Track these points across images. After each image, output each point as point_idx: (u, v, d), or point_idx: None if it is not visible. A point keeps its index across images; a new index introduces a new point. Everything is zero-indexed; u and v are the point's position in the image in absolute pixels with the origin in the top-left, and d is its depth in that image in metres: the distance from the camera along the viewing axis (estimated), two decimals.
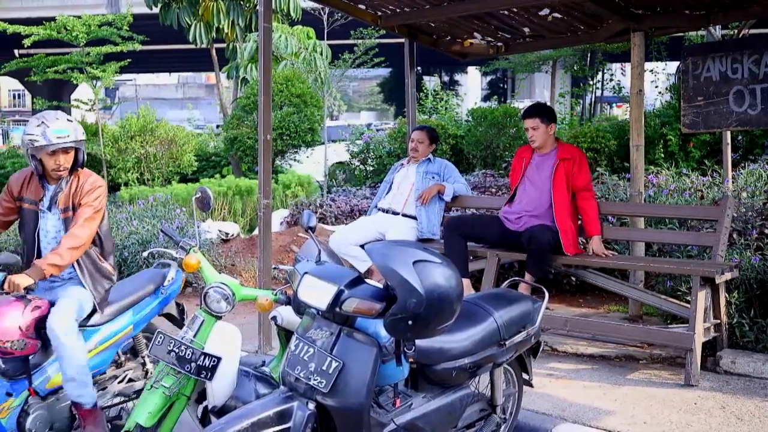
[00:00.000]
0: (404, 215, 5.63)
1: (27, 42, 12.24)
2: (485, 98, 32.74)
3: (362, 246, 5.14)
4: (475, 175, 8.30)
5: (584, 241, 5.24)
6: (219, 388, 3.04)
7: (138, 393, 3.68)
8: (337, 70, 13.13)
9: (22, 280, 3.23)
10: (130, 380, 3.77)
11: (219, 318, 3.10)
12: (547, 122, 5.03)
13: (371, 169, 10.02)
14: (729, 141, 5.87)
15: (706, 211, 5.18)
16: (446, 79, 37.71)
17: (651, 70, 12.31)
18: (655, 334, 4.53)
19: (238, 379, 3.12)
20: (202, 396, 3.16)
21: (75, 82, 13.20)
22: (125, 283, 3.81)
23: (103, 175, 11.20)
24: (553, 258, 4.88)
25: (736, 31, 8.24)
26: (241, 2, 14.44)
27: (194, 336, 3.04)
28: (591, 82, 16.87)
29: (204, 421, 3.16)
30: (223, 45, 15.26)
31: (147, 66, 36.35)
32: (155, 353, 3.03)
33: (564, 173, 4.94)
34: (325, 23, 11.53)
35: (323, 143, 11.24)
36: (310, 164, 12.97)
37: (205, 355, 2.99)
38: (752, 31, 8.58)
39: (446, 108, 12.91)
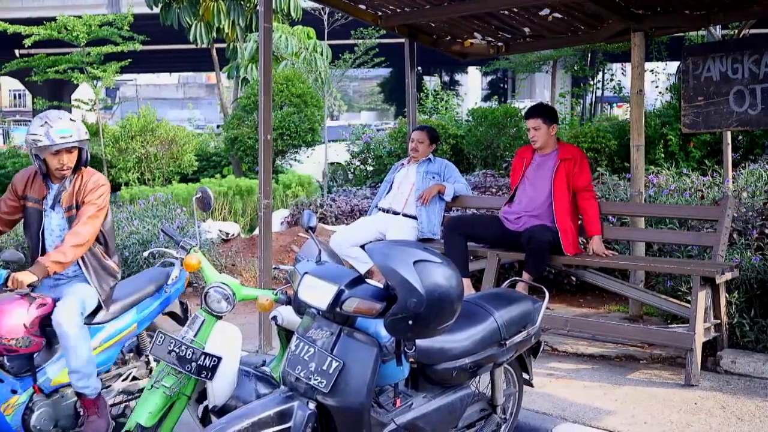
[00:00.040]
0: (405, 215, 5.63)
1: (28, 42, 12.26)
2: (485, 98, 32.73)
3: (363, 246, 5.14)
4: (475, 175, 8.30)
5: (584, 241, 5.24)
6: (219, 388, 3.05)
7: (142, 391, 3.69)
8: (337, 70, 13.12)
9: (26, 277, 3.26)
10: (134, 378, 3.79)
11: (219, 318, 3.10)
12: (549, 123, 5.04)
13: (371, 169, 10.02)
14: (729, 141, 5.87)
15: (706, 211, 5.18)
16: (446, 79, 37.71)
17: (651, 70, 12.31)
18: (655, 334, 4.53)
19: (239, 379, 3.12)
20: (202, 396, 3.16)
21: (75, 82, 13.23)
22: (129, 281, 3.84)
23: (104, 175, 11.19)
24: (552, 258, 4.88)
25: (736, 31, 8.23)
26: (242, 2, 14.44)
27: (195, 336, 3.04)
28: (591, 82, 16.86)
29: (204, 420, 3.16)
30: (224, 45, 15.27)
31: (147, 66, 36.36)
32: (156, 353, 3.04)
33: (565, 173, 4.94)
34: (326, 23, 11.53)
35: (323, 143, 11.25)
36: (311, 164, 12.98)
37: (206, 354, 2.99)
38: (752, 31, 8.58)
39: (446, 108, 12.91)
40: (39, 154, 3.42)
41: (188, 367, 2.98)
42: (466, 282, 4.98)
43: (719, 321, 4.54)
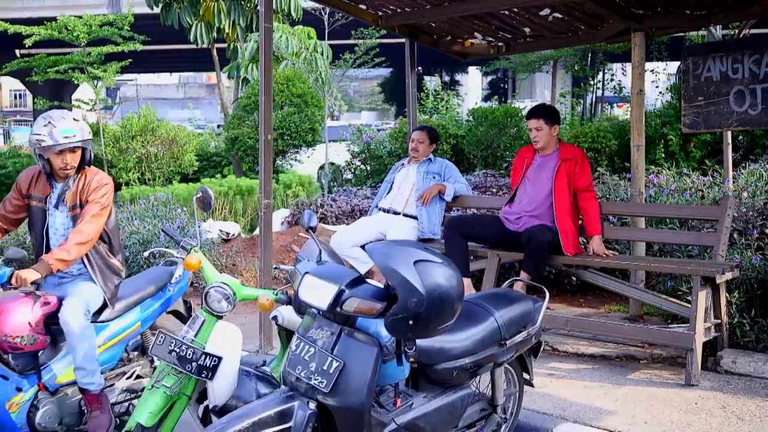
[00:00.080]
0: (405, 215, 5.63)
1: (28, 42, 12.27)
2: (486, 98, 32.70)
3: (363, 246, 5.15)
4: (475, 175, 8.31)
5: (585, 240, 5.24)
6: (220, 388, 3.05)
7: None
8: (337, 70, 13.11)
9: (30, 274, 3.28)
10: (138, 377, 3.81)
11: (220, 318, 3.10)
12: (551, 123, 5.04)
13: (372, 169, 10.02)
14: (730, 141, 5.87)
15: (706, 211, 5.18)
16: (447, 79, 37.68)
17: (652, 70, 12.30)
18: (655, 334, 4.53)
19: (239, 379, 3.12)
20: (203, 395, 3.17)
21: (76, 82, 13.23)
22: (133, 280, 3.86)
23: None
24: (552, 258, 4.88)
25: (736, 31, 8.23)
26: (242, 2, 14.45)
27: (195, 336, 3.04)
28: (592, 82, 16.86)
29: (205, 420, 3.17)
30: (224, 45, 15.27)
31: (148, 66, 36.35)
32: (156, 353, 3.04)
33: (566, 174, 4.94)
34: (326, 23, 11.54)
35: (324, 143, 11.25)
36: (311, 164, 12.99)
37: (206, 354, 2.99)
38: (753, 31, 8.59)
39: (447, 108, 12.90)
40: (43, 154, 3.45)
41: (189, 367, 2.98)
42: (467, 282, 4.98)
43: (719, 321, 4.54)
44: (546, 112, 5.11)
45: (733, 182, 5.94)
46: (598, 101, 18.88)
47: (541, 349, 3.55)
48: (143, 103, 19.52)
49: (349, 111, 33.42)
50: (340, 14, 10.98)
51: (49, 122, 3.41)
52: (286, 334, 3.32)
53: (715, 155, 7.71)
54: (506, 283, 3.83)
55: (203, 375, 2.99)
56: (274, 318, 3.31)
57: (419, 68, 9.91)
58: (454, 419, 2.98)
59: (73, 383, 3.40)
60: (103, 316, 3.55)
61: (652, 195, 6.12)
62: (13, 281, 3.28)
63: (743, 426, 3.65)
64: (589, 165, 5.14)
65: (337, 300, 2.56)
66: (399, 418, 2.72)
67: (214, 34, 14.61)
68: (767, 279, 4.67)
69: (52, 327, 3.37)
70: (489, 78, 37.82)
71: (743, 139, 8.11)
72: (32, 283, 3.30)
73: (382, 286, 2.64)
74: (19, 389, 3.27)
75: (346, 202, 8.09)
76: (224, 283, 3.09)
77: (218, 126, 20.51)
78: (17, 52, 20.46)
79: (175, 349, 3.00)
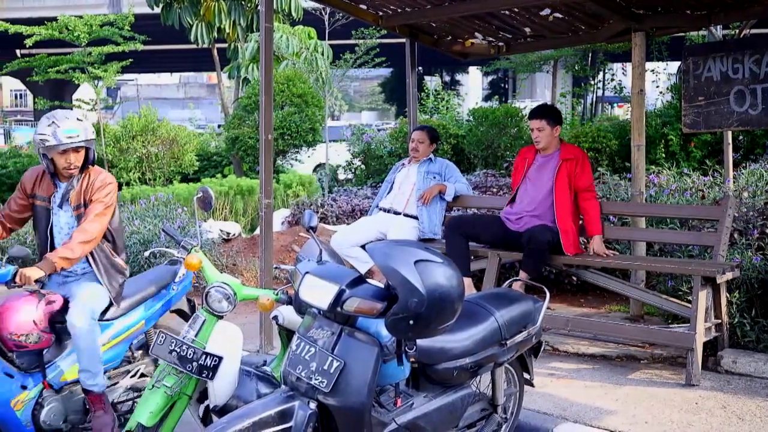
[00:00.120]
0: (405, 215, 5.63)
1: (29, 42, 12.27)
2: (486, 98, 32.71)
3: (363, 246, 5.14)
4: (476, 174, 8.30)
5: (585, 240, 5.24)
6: (220, 388, 3.05)
7: None
8: (338, 70, 13.13)
9: (34, 272, 3.29)
10: (142, 375, 3.82)
11: (220, 317, 3.11)
12: (553, 124, 5.04)
13: (372, 168, 10.02)
14: (730, 141, 5.87)
15: (707, 211, 5.18)
16: (447, 79, 37.70)
17: (652, 70, 12.28)
18: (656, 334, 4.53)
19: (240, 379, 3.12)
20: (203, 395, 3.17)
21: (77, 82, 13.24)
22: (137, 279, 3.87)
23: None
24: (553, 258, 4.88)
25: (737, 31, 8.22)
26: (243, 2, 14.46)
27: (196, 335, 3.05)
28: (592, 82, 16.85)
29: (205, 420, 3.17)
30: (225, 45, 15.29)
31: (148, 66, 36.38)
32: (157, 352, 3.05)
33: (567, 174, 4.94)
34: (326, 23, 11.54)
35: (324, 143, 11.25)
36: (311, 164, 12.99)
37: (207, 354, 2.99)
38: (753, 31, 8.58)
39: (447, 108, 12.89)
40: (47, 154, 3.46)
41: (189, 367, 2.99)
42: (467, 282, 4.98)
43: (720, 321, 4.54)
44: (548, 113, 5.11)
45: (734, 182, 5.94)
46: (598, 101, 18.87)
47: (542, 349, 3.55)
48: (144, 102, 19.52)
49: (350, 111, 33.42)
50: (341, 14, 10.98)
51: (53, 122, 3.42)
52: (287, 334, 3.33)
53: (715, 155, 7.71)
54: (506, 283, 3.83)
55: (204, 375, 2.99)
56: (275, 318, 3.32)
57: (420, 68, 9.91)
58: (454, 419, 2.98)
59: (78, 381, 3.41)
60: (108, 314, 3.56)
61: (653, 195, 6.12)
62: (17, 279, 3.29)
63: (744, 426, 3.65)
64: (590, 165, 5.14)
65: (338, 300, 2.56)
66: (399, 418, 2.72)
67: (215, 34, 14.62)
68: (767, 279, 4.68)
69: (56, 325, 3.38)
70: (489, 78, 37.83)
71: (744, 139, 8.10)
72: (36, 281, 3.30)
73: (382, 286, 2.64)
74: (24, 387, 3.29)
75: (347, 202, 8.09)
76: (225, 283, 3.09)
77: (219, 126, 20.51)
78: (18, 52, 20.50)
79: (176, 348, 3.00)
